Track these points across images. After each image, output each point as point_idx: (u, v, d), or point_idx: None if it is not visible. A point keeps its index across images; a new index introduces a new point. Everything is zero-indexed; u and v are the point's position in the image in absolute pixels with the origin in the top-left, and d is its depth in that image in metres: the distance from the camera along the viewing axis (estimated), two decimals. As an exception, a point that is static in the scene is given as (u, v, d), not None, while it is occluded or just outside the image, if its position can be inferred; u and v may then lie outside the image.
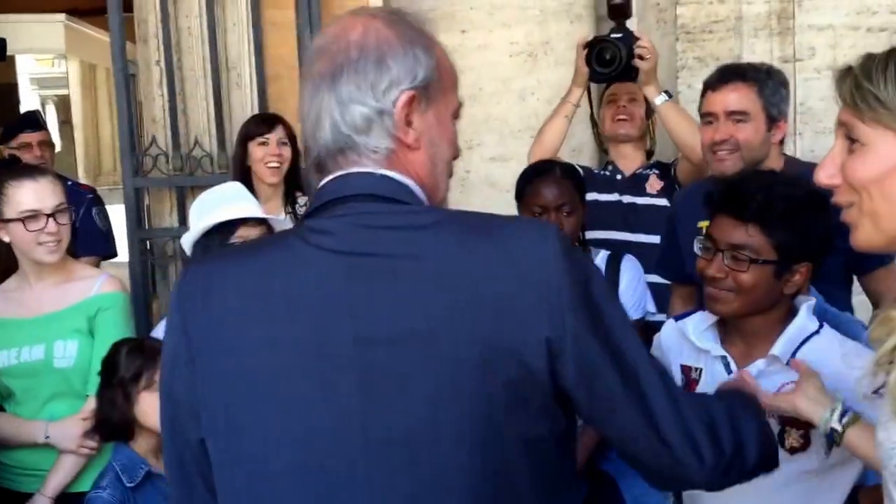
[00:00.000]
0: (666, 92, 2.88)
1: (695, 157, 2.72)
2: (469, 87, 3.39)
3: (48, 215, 2.26)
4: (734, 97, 2.28)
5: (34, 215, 2.26)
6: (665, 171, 3.03)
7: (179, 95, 3.39)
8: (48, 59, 19.90)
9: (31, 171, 2.37)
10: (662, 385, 1.15)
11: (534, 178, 2.50)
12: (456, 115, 1.24)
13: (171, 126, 3.38)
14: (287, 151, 3.00)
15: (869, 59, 1.12)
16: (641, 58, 2.80)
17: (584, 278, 1.13)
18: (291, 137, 3.03)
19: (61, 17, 6.62)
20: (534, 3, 3.43)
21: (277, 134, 2.99)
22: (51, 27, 6.65)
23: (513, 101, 3.41)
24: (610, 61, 2.81)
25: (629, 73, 2.84)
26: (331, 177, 1.17)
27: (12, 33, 6.81)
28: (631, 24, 3.67)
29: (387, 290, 1.10)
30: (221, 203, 2.33)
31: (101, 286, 2.39)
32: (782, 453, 1.57)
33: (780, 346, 1.74)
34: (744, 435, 1.21)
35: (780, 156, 2.38)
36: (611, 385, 1.11)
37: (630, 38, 2.83)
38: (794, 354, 1.73)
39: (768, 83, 2.30)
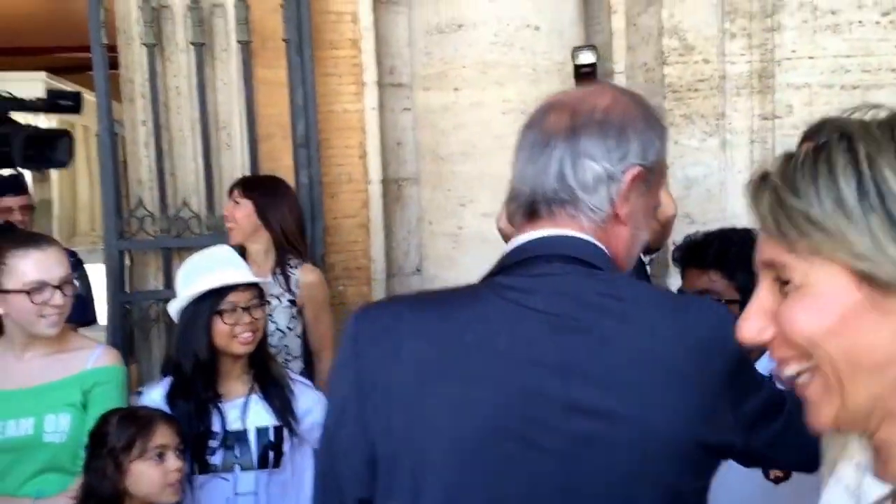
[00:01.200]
0: None
1: (662, 217, 2.68)
2: (462, 144, 3.36)
3: (55, 287, 2.17)
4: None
5: (40, 287, 2.15)
6: None
7: (167, 155, 3.33)
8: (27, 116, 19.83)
9: (36, 240, 2.26)
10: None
11: None
12: (654, 212, 1.26)
13: (158, 187, 3.31)
14: (239, 212, 2.97)
15: (788, 160, 0.80)
16: None
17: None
18: (250, 197, 2.99)
19: (42, 74, 6.58)
20: (525, 61, 3.42)
21: (233, 195, 2.98)
22: (31, 84, 6.59)
23: (506, 158, 3.32)
24: None
25: None
26: (538, 234, 1.16)
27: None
28: (619, 82, 3.72)
29: (597, 357, 1.08)
30: (211, 268, 2.29)
31: (97, 359, 2.29)
32: (766, 484, 1.71)
33: None
34: None
35: None
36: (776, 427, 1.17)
37: None
38: None
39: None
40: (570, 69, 3.56)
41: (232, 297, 2.24)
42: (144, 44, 3.25)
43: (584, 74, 2.85)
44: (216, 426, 2.25)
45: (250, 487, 2.26)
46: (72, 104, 2.62)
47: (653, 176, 1.20)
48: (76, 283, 3.55)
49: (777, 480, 1.77)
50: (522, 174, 1.21)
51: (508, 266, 1.18)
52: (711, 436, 1.10)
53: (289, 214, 3.02)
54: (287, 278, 2.94)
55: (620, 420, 1.06)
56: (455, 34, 3.43)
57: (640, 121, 1.19)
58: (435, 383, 1.11)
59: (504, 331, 1.11)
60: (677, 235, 3.48)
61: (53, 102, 2.60)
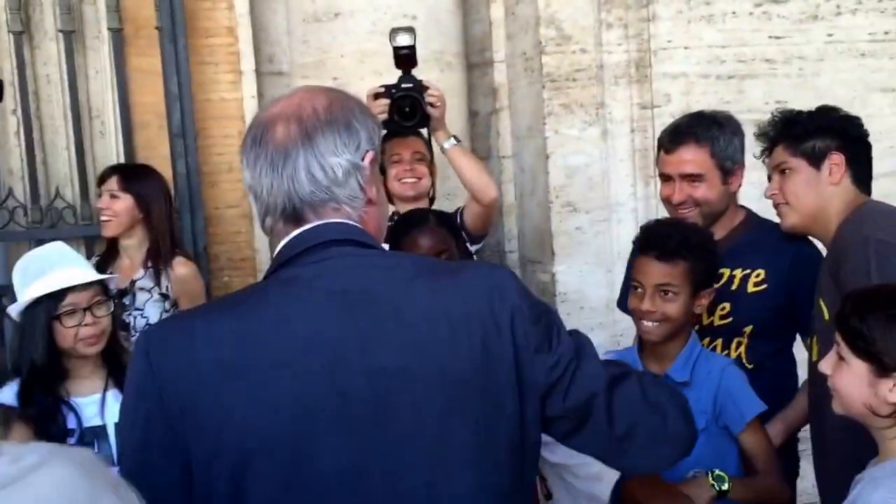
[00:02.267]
0: (454, 136, 2.91)
1: (486, 199, 2.80)
2: (340, 134, 3.37)
3: None
4: (687, 162, 2.36)
5: None
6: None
7: (38, 145, 3.26)
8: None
9: None
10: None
11: (409, 228, 2.46)
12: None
13: (29, 177, 3.24)
14: (118, 205, 2.93)
15: None
16: (433, 105, 2.83)
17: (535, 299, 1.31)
18: (129, 190, 2.95)
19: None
20: (405, 50, 3.44)
21: (109, 186, 2.93)
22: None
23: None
24: (411, 113, 2.81)
25: (426, 122, 2.86)
26: (307, 226, 1.26)
27: None
28: (499, 71, 3.76)
29: (390, 322, 1.19)
30: (44, 270, 2.21)
31: None
32: None
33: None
34: None
35: (737, 208, 2.46)
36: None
37: (420, 87, 2.84)
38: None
39: (720, 139, 2.37)
40: (448, 59, 3.60)
41: (71, 299, 2.18)
42: (11, 31, 3.17)
43: (403, 56, 2.84)
44: (72, 423, 2.22)
45: None
46: None
47: (379, 155, 1.35)
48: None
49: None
50: (269, 188, 1.27)
51: (287, 260, 1.24)
52: (509, 374, 1.23)
53: (166, 207, 3.00)
54: (158, 272, 2.92)
55: (420, 373, 1.19)
56: (332, 23, 3.44)
57: (359, 112, 1.32)
58: (236, 382, 1.15)
59: (299, 317, 1.19)
60: (565, 224, 3.57)
61: None
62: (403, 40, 2.81)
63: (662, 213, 2.71)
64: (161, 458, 1.17)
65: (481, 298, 1.24)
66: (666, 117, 3.52)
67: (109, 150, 3.33)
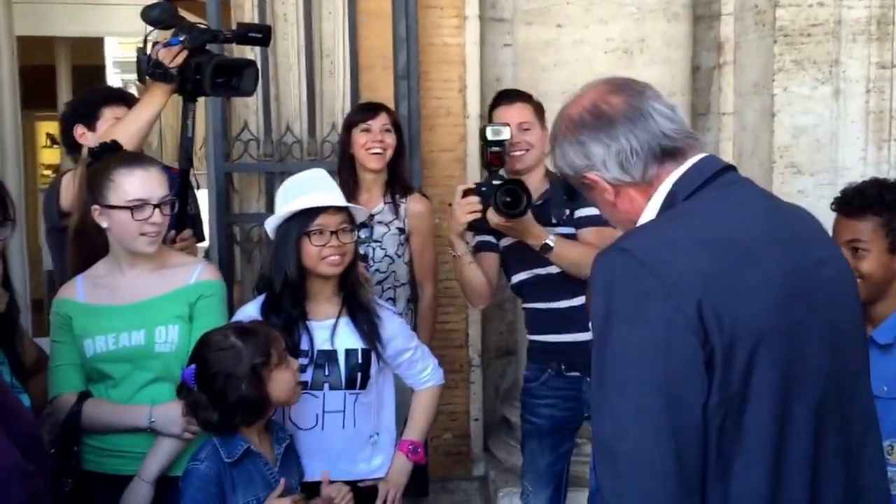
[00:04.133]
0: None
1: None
2: (562, 82, 3.34)
3: (155, 206, 2.24)
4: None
5: (141, 205, 2.23)
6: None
7: (273, 81, 3.42)
8: (132, 44, 20.33)
9: (140, 160, 2.33)
10: None
11: None
12: None
13: (263, 112, 3.41)
14: (390, 138, 2.98)
15: None
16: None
17: None
18: (396, 125, 3.02)
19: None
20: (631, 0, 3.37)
21: (380, 121, 2.97)
22: (139, 10, 6.81)
23: (606, 98, 3.35)
24: (514, 203, 2.50)
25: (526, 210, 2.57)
26: (695, 159, 1.42)
27: (103, 16, 6.95)
28: (726, 24, 3.62)
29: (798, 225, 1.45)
30: (304, 190, 2.34)
31: (200, 273, 2.37)
32: None
33: None
34: None
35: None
36: None
37: (518, 181, 2.59)
38: None
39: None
40: (676, 9, 3.49)
41: (321, 220, 2.29)
42: (254, -29, 3.33)
43: (495, 154, 2.62)
44: (305, 345, 2.33)
45: (338, 406, 2.35)
46: (260, 36, 2.71)
47: None
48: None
49: None
50: (632, 143, 1.42)
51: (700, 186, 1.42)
52: None
53: (403, 144, 3.08)
54: (397, 206, 3.00)
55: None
56: (560, -32, 3.39)
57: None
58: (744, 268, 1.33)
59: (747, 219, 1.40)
60: (787, 185, 3.42)
61: (244, 35, 2.69)
62: (499, 134, 2.62)
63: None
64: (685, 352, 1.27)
65: None
66: (907, 77, 3.31)
67: (337, 90, 3.45)
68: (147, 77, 2.51)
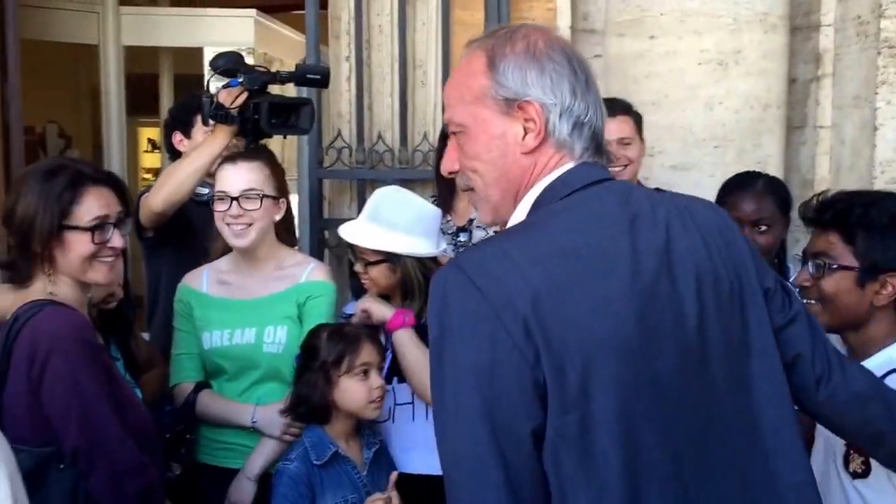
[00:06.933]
0: None
1: None
2: (654, 93, 3.33)
3: (233, 198, 2.30)
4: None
5: (221, 197, 2.32)
6: None
7: (366, 91, 3.49)
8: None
9: (236, 156, 2.42)
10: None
11: (735, 189, 2.42)
12: None
13: (356, 120, 3.48)
14: None
15: None
16: None
17: None
18: None
19: (252, 12, 6.96)
20: (727, 10, 3.32)
21: None
22: (242, 22, 6.99)
23: (699, 110, 3.32)
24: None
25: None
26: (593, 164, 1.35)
27: (205, 27, 7.20)
28: (826, 35, 3.54)
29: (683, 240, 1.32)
30: (366, 211, 2.43)
31: (311, 272, 2.43)
32: (844, 475, 1.69)
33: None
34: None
35: None
36: None
37: None
38: None
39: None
40: (773, 20, 3.43)
41: (359, 249, 2.41)
42: (351, -17, 3.41)
43: None
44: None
45: (407, 398, 2.40)
46: (319, 78, 2.80)
47: None
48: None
49: (855, 476, 1.70)
50: (587, 112, 1.34)
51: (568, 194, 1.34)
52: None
53: None
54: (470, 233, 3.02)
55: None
56: (655, -19, 3.38)
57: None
58: (583, 289, 1.22)
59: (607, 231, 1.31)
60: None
61: (302, 76, 2.79)
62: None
63: None
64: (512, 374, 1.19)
65: None
66: None
67: (429, 100, 3.50)
68: (210, 119, 2.60)
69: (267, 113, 2.51)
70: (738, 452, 1.28)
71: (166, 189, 2.56)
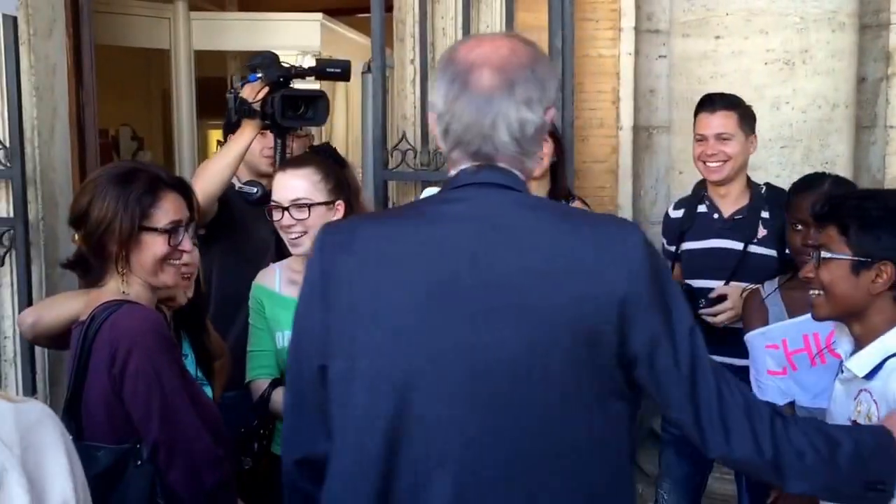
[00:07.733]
0: None
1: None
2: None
3: (284, 208, 2.32)
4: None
5: (276, 207, 2.33)
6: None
7: (431, 93, 3.53)
8: (291, 55, 21.32)
9: (287, 163, 2.46)
10: (713, 378, 1.35)
11: (801, 190, 2.41)
12: None
13: (420, 123, 3.53)
14: (546, 147, 3.02)
15: None
16: None
17: (660, 266, 1.35)
18: (552, 133, 3.06)
19: (318, 16, 7.09)
20: (794, 9, 3.29)
21: None
22: (308, 26, 7.13)
23: (765, 110, 3.28)
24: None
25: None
26: (475, 165, 1.39)
27: (272, 31, 7.35)
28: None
29: (502, 250, 1.32)
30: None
31: None
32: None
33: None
34: (792, 446, 1.37)
35: None
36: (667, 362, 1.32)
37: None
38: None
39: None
40: (842, 18, 3.38)
41: None
42: (417, -13, 3.46)
43: None
44: None
45: None
46: (339, 72, 2.87)
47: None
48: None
49: None
50: (466, 127, 1.39)
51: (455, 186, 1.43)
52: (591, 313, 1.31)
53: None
54: None
55: (515, 292, 1.35)
56: (721, -20, 3.36)
57: (547, 62, 1.44)
58: (379, 270, 1.39)
59: (434, 230, 1.41)
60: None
61: (322, 70, 2.88)
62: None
63: None
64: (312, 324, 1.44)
65: None
66: None
67: (492, 101, 3.52)
68: (235, 115, 2.68)
69: (280, 106, 2.58)
70: None
71: (200, 184, 2.60)
